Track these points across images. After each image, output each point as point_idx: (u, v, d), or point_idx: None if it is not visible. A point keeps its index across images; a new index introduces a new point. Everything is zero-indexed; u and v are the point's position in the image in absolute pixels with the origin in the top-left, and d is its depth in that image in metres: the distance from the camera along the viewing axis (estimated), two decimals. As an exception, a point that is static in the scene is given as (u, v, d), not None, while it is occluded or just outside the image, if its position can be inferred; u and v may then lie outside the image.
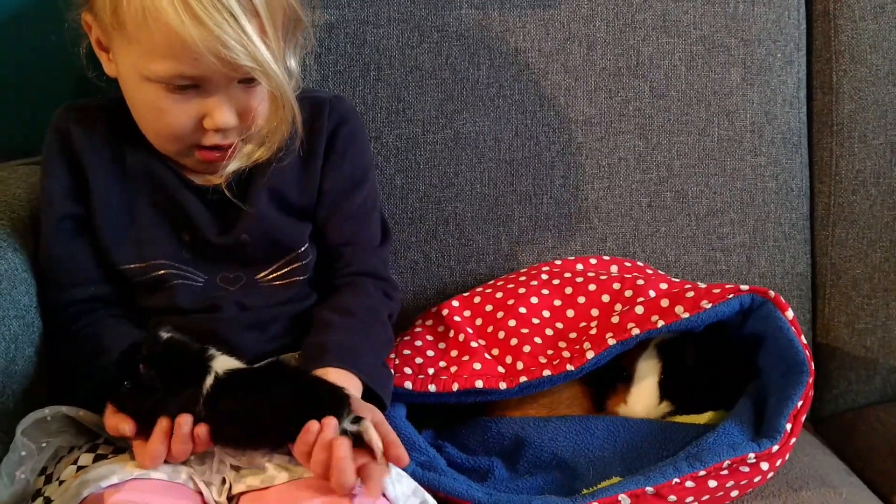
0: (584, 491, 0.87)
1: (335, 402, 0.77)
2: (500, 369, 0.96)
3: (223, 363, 0.78)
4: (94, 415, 0.82)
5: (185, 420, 0.75)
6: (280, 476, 0.78)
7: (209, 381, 0.77)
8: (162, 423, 0.76)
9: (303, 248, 0.93)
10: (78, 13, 0.87)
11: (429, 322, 1.06)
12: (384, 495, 0.80)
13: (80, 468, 0.79)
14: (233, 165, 0.87)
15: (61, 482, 0.79)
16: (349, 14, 1.10)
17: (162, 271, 0.89)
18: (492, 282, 1.09)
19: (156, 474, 0.77)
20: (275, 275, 0.93)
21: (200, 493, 0.79)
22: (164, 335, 0.78)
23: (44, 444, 0.81)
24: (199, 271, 0.91)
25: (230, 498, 0.80)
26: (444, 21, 1.11)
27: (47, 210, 0.90)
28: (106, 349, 0.83)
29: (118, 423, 0.77)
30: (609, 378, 1.00)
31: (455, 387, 0.94)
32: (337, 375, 0.83)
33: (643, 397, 0.98)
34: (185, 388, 0.76)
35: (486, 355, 0.98)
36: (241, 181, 0.91)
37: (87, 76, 0.89)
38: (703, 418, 0.98)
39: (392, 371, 0.96)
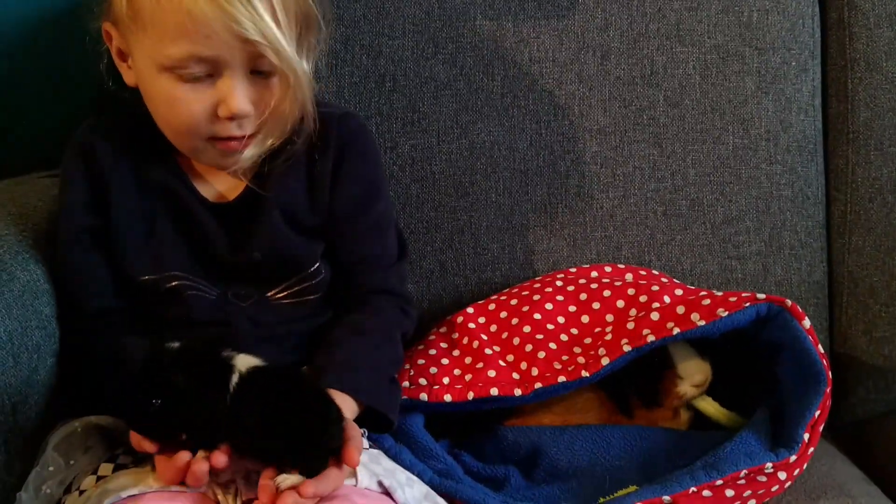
0: (602, 500, 0.87)
1: (323, 420, 0.77)
2: (515, 376, 0.96)
3: (244, 361, 0.78)
4: (122, 422, 0.83)
5: (200, 466, 0.75)
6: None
7: (234, 379, 0.76)
8: (180, 459, 0.75)
9: (314, 268, 0.93)
10: (98, 24, 0.88)
11: (443, 329, 1.07)
12: (393, 499, 0.81)
13: (99, 478, 0.80)
14: (249, 152, 0.87)
15: (81, 492, 0.79)
16: (364, 26, 1.11)
17: (176, 282, 0.90)
18: (507, 290, 1.09)
19: (175, 486, 0.77)
20: (286, 293, 0.93)
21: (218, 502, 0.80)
22: (175, 344, 0.77)
23: (72, 462, 0.82)
24: (211, 286, 0.92)
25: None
26: (459, 32, 1.12)
27: (66, 221, 0.92)
28: (127, 361, 0.83)
29: (141, 442, 0.78)
30: (628, 383, 1.00)
31: (470, 395, 0.95)
32: (334, 397, 0.82)
33: (692, 363, 0.98)
34: (210, 390, 0.76)
35: (501, 362, 0.98)
36: (254, 200, 0.91)
37: (107, 89, 0.91)
38: (726, 415, 0.98)
39: (401, 384, 0.96)
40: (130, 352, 0.79)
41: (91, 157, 0.91)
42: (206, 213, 0.91)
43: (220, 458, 0.75)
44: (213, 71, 0.83)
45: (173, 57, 0.82)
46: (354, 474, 0.82)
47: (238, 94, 0.83)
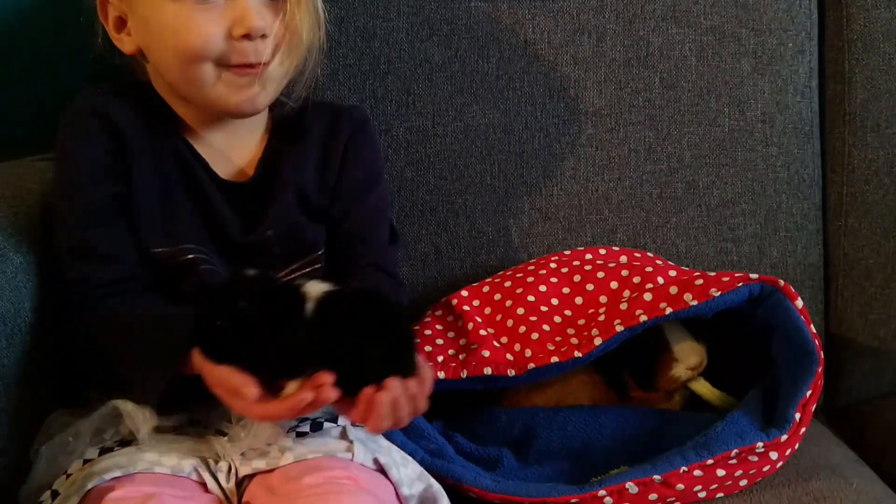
0: (593, 479, 0.88)
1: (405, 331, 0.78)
2: (509, 357, 0.96)
3: (315, 288, 0.76)
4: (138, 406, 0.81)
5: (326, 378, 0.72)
6: (285, 458, 0.79)
7: (309, 306, 0.74)
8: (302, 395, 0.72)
9: (322, 251, 0.94)
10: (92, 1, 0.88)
11: (438, 312, 1.07)
12: (388, 477, 0.81)
13: (86, 461, 0.80)
14: (260, 83, 0.85)
15: (69, 475, 0.79)
16: (359, 8, 1.11)
17: (190, 255, 0.89)
18: (501, 272, 1.09)
19: (160, 468, 0.78)
20: (295, 275, 0.93)
21: (204, 485, 0.80)
22: (251, 272, 0.76)
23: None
24: (222, 264, 0.91)
25: (238, 482, 0.80)
26: (454, 14, 1.12)
27: (86, 187, 0.87)
28: (160, 309, 0.83)
29: (239, 385, 0.73)
30: (623, 365, 1.00)
31: (464, 374, 0.95)
32: None
33: (687, 345, 0.98)
34: (284, 320, 0.73)
35: (496, 343, 0.98)
36: (268, 180, 0.92)
37: (101, 69, 0.91)
38: (719, 396, 0.99)
39: None
40: (158, 308, 0.77)
41: (106, 119, 0.87)
42: (219, 193, 0.91)
43: (331, 392, 0.73)
44: None
45: None
46: (351, 449, 0.82)
47: (253, 11, 0.82)
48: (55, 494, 0.78)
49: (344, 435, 0.85)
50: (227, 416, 0.83)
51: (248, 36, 0.82)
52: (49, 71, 1.11)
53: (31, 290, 0.88)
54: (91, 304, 0.85)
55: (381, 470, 0.83)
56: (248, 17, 0.82)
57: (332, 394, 0.72)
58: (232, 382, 0.73)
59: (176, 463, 0.79)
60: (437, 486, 0.84)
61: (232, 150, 0.93)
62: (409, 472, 0.84)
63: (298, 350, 0.73)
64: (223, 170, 0.92)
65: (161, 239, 0.89)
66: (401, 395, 0.75)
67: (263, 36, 0.83)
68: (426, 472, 0.86)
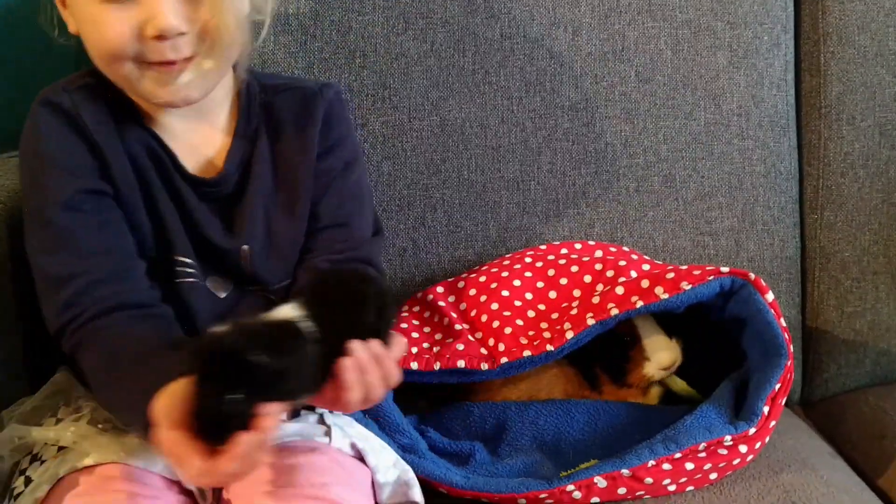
0: (562, 474, 0.88)
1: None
2: (483, 351, 0.96)
3: (290, 311, 0.70)
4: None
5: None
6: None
7: (306, 327, 0.69)
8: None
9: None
10: None
11: (415, 308, 1.07)
12: (364, 462, 0.82)
13: (60, 448, 0.80)
14: (186, 77, 0.79)
15: (42, 461, 0.80)
16: (334, 1, 1.10)
17: (178, 268, 0.85)
18: (476, 267, 1.09)
19: (133, 460, 0.78)
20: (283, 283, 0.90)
21: (177, 483, 0.80)
22: (225, 326, 0.66)
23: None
24: (208, 271, 0.87)
25: None
26: (429, 8, 1.11)
27: (60, 187, 0.81)
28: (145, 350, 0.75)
29: (182, 456, 0.65)
30: (596, 360, 1.00)
31: (437, 366, 0.95)
32: None
33: (661, 344, 0.98)
34: (304, 354, 0.68)
35: (470, 338, 0.98)
36: (237, 175, 0.87)
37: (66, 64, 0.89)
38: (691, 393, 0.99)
39: None
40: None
41: (76, 122, 0.83)
42: (192, 192, 0.86)
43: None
44: None
45: None
46: (329, 433, 0.82)
47: (165, 9, 0.76)
48: (28, 481, 0.79)
49: (322, 420, 0.85)
50: None
51: (160, 37, 0.77)
52: (22, 69, 1.10)
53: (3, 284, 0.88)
54: (76, 325, 0.79)
55: (359, 456, 0.84)
56: (158, 17, 0.76)
57: (271, 422, 0.65)
58: (176, 452, 0.66)
59: (149, 457, 0.79)
60: (411, 474, 0.85)
61: (198, 141, 0.88)
62: (385, 460, 0.84)
63: (314, 373, 0.69)
64: (192, 163, 0.87)
65: (153, 247, 0.85)
66: (365, 357, 0.71)
67: (182, 33, 0.78)
68: (401, 460, 0.86)
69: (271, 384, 0.64)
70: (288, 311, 0.70)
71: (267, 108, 0.91)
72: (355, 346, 0.71)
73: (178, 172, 0.86)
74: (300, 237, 0.90)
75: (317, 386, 0.71)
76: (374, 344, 0.72)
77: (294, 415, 0.84)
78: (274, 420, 0.65)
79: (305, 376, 0.68)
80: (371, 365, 0.72)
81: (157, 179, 0.85)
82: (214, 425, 0.64)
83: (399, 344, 0.75)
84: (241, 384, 0.63)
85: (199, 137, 0.88)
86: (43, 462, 0.80)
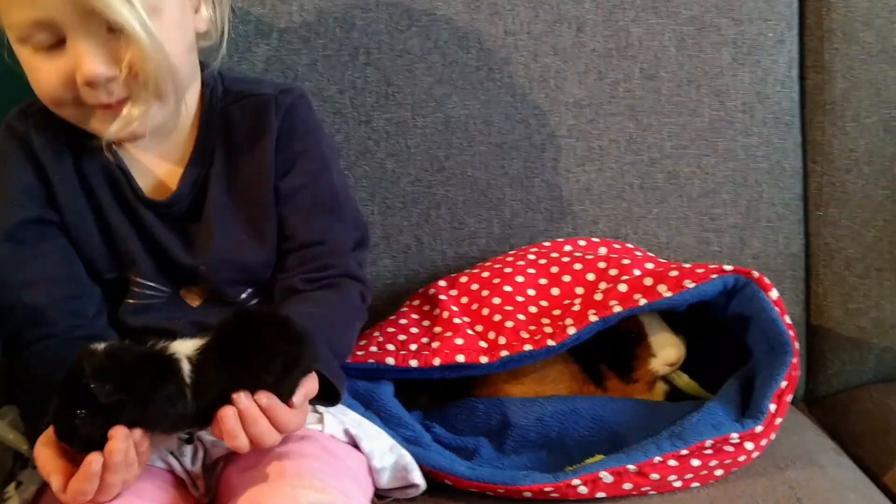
0: (568, 468, 0.88)
1: (299, 348, 0.75)
2: (483, 344, 0.96)
3: (186, 347, 0.73)
4: None
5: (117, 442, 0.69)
6: None
7: (186, 367, 0.71)
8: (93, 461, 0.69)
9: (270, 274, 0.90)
10: None
11: (416, 302, 1.07)
12: (358, 448, 0.82)
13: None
14: (128, 115, 0.79)
15: (34, 467, 0.78)
16: (338, -2, 1.10)
17: (136, 289, 0.87)
18: (480, 264, 1.09)
19: None
20: (254, 300, 0.90)
21: (171, 472, 0.80)
22: (101, 346, 0.70)
23: None
24: (171, 287, 0.88)
25: (208, 466, 0.81)
26: (433, 4, 1.11)
27: (5, 217, 0.84)
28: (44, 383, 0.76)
29: (46, 474, 0.71)
30: (601, 357, 1.00)
31: (437, 362, 0.94)
32: None
33: (667, 340, 0.98)
34: (159, 389, 0.70)
35: (469, 331, 0.98)
36: (192, 195, 0.87)
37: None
38: (697, 390, 0.99)
39: (367, 350, 0.97)
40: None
41: (28, 147, 0.85)
42: (149, 211, 0.86)
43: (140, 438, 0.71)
44: (60, 36, 0.77)
45: (15, 26, 0.77)
46: (322, 420, 0.82)
47: (87, 58, 0.76)
48: (19, 484, 0.79)
49: (314, 409, 0.85)
50: None
51: (90, 84, 0.77)
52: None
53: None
54: (22, 343, 0.83)
55: (353, 443, 0.84)
56: (83, 66, 0.76)
57: (117, 445, 0.68)
58: (44, 468, 0.72)
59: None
60: (409, 458, 0.85)
61: (153, 163, 0.88)
62: (380, 445, 0.84)
63: (178, 416, 0.71)
64: (146, 184, 0.87)
65: (107, 265, 0.87)
66: (247, 409, 0.71)
67: (111, 77, 0.77)
68: (397, 445, 0.86)
69: (111, 411, 0.69)
70: (182, 347, 0.72)
71: (226, 118, 0.89)
72: (240, 397, 0.71)
73: (132, 193, 0.87)
74: (270, 257, 0.89)
75: (185, 423, 0.73)
76: (263, 396, 0.72)
77: (188, 440, 0.81)
78: (120, 444, 0.68)
79: (159, 411, 0.70)
80: (257, 417, 0.72)
81: (113, 200, 0.87)
82: (66, 437, 0.70)
83: (303, 395, 0.75)
84: (82, 405, 0.69)
85: (154, 159, 0.88)
86: (35, 468, 0.79)
